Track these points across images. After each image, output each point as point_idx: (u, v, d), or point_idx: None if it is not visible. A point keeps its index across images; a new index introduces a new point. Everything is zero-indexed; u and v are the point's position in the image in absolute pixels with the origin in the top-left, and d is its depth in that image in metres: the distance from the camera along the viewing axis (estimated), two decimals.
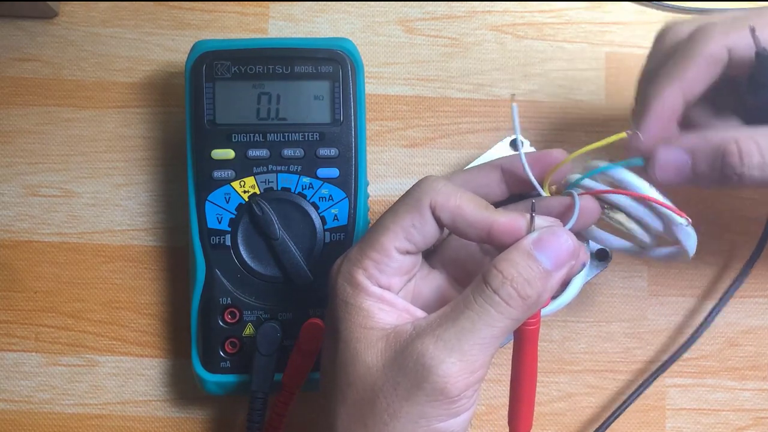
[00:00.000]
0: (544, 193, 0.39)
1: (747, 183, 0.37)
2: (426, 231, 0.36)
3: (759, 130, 0.37)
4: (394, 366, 0.34)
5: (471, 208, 0.35)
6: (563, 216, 0.37)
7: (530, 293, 0.34)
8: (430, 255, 0.41)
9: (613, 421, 0.48)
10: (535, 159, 0.39)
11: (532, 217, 0.35)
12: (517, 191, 0.40)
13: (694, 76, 0.38)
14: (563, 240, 0.35)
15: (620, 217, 0.40)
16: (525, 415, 0.37)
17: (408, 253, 0.36)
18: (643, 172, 0.39)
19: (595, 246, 0.46)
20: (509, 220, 0.35)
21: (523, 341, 0.36)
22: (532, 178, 0.38)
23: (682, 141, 0.38)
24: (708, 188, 0.37)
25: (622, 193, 0.38)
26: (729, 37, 0.38)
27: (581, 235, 0.43)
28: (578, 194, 0.38)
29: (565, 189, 0.39)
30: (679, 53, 0.39)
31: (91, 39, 0.52)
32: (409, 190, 0.36)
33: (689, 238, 0.39)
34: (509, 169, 0.39)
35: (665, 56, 0.40)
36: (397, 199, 0.37)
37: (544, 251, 0.34)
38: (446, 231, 0.40)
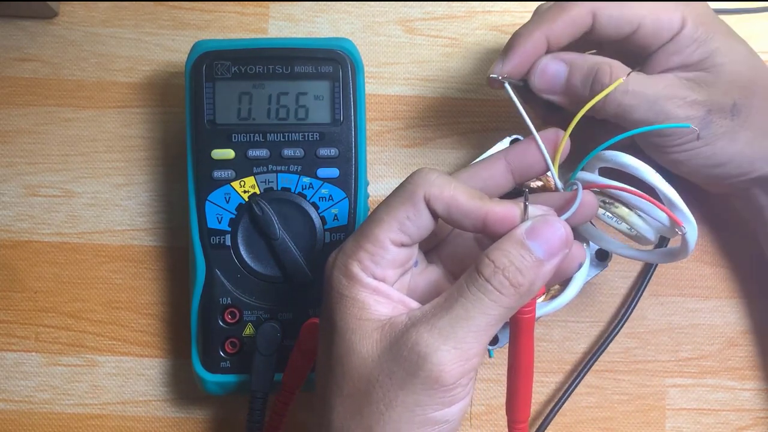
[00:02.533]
0: (555, 173, 0.39)
1: (608, 106, 0.41)
2: (420, 223, 0.36)
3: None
4: (390, 356, 0.34)
5: (465, 199, 0.35)
6: (562, 210, 0.37)
7: (522, 282, 0.34)
8: (428, 251, 0.41)
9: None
10: (531, 142, 0.39)
11: (525, 206, 0.35)
12: (523, 180, 0.40)
13: (560, 27, 0.42)
14: (556, 229, 0.35)
15: (622, 211, 0.40)
16: (522, 403, 0.38)
17: (403, 245, 0.36)
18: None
19: (595, 246, 0.46)
20: (504, 209, 0.35)
21: (518, 330, 0.36)
22: (547, 156, 0.38)
23: (563, 55, 0.42)
24: (574, 108, 0.40)
25: (627, 191, 0.38)
26: (595, 5, 0.42)
27: (581, 235, 0.43)
28: (582, 187, 0.38)
29: (568, 182, 0.39)
30: (550, 10, 0.42)
31: (91, 39, 0.52)
32: (402, 182, 0.37)
33: (690, 226, 0.39)
34: (513, 158, 0.40)
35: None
36: (391, 191, 0.37)
37: (537, 240, 0.34)
38: (447, 228, 0.40)
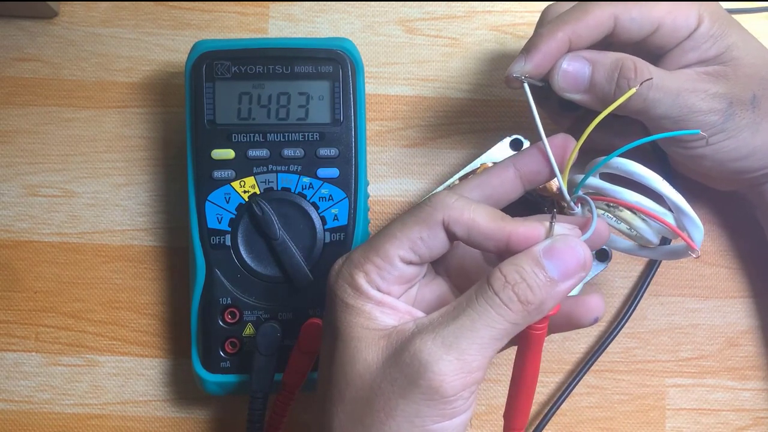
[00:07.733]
0: (562, 181, 0.38)
1: (633, 102, 0.41)
2: (433, 245, 0.35)
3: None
4: (393, 362, 0.34)
5: (486, 221, 0.35)
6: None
7: (531, 299, 0.33)
8: (436, 262, 0.41)
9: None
10: (541, 148, 0.39)
11: (551, 225, 0.34)
12: (531, 187, 0.39)
13: (583, 29, 0.41)
14: (576, 250, 0.34)
15: (626, 215, 0.39)
16: (521, 412, 0.38)
17: (411, 263, 0.36)
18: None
19: None
20: (528, 229, 0.34)
21: (528, 344, 0.36)
22: (555, 166, 0.38)
23: (583, 53, 0.41)
24: (598, 106, 0.40)
25: (640, 209, 0.38)
26: (616, 7, 0.41)
27: None
28: (588, 197, 0.37)
29: (573, 193, 0.39)
30: (570, 12, 0.42)
31: (91, 39, 0.52)
32: (419, 204, 0.36)
33: (697, 230, 0.38)
34: (522, 164, 0.39)
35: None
36: (406, 210, 0.36)
37: (552, 259, 0.34)
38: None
